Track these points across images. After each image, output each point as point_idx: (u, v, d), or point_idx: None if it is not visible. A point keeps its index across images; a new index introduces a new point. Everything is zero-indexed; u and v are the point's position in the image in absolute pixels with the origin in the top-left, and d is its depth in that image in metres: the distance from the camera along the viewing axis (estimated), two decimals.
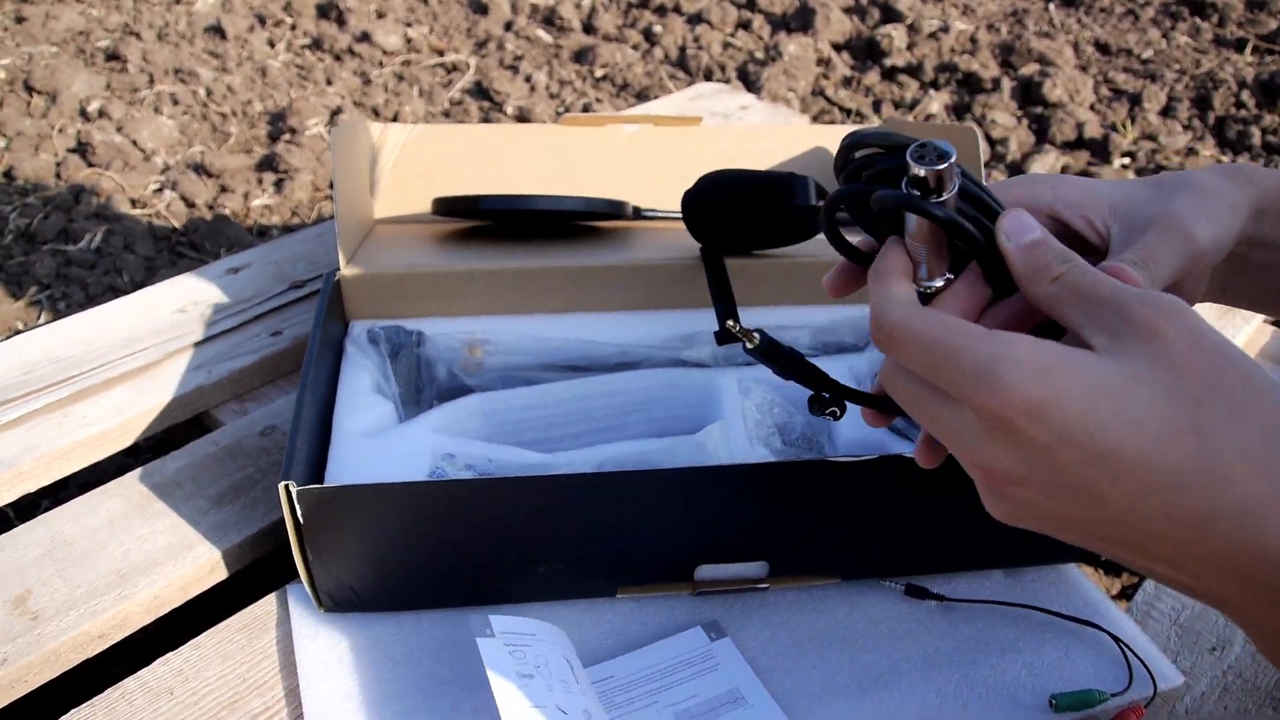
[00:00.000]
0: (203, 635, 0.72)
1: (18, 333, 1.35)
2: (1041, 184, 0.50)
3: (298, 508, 0.65)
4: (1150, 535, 0.36)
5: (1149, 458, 0.35)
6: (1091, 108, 2.02)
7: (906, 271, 0.45)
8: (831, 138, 1.13)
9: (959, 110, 2.06)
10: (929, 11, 2.42)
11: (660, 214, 1.01)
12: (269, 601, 0.74)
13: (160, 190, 1.73)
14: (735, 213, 0.89)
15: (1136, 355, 0.36)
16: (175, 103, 1.99)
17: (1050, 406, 0.36)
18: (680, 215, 0.92)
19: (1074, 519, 0.38)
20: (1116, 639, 0.72)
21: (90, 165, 1.76)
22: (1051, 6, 2.50)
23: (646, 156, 1.09)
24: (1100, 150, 1.88)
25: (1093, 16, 2.46)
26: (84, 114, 1.93)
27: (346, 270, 0.88)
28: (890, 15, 2.37)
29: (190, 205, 1.70)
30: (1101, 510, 0.36)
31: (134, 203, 1.70)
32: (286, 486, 0.64)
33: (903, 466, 0.69)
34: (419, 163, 1.05)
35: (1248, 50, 2.22)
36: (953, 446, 0.41)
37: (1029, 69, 2.12)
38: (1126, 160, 1.86)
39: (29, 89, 1.98)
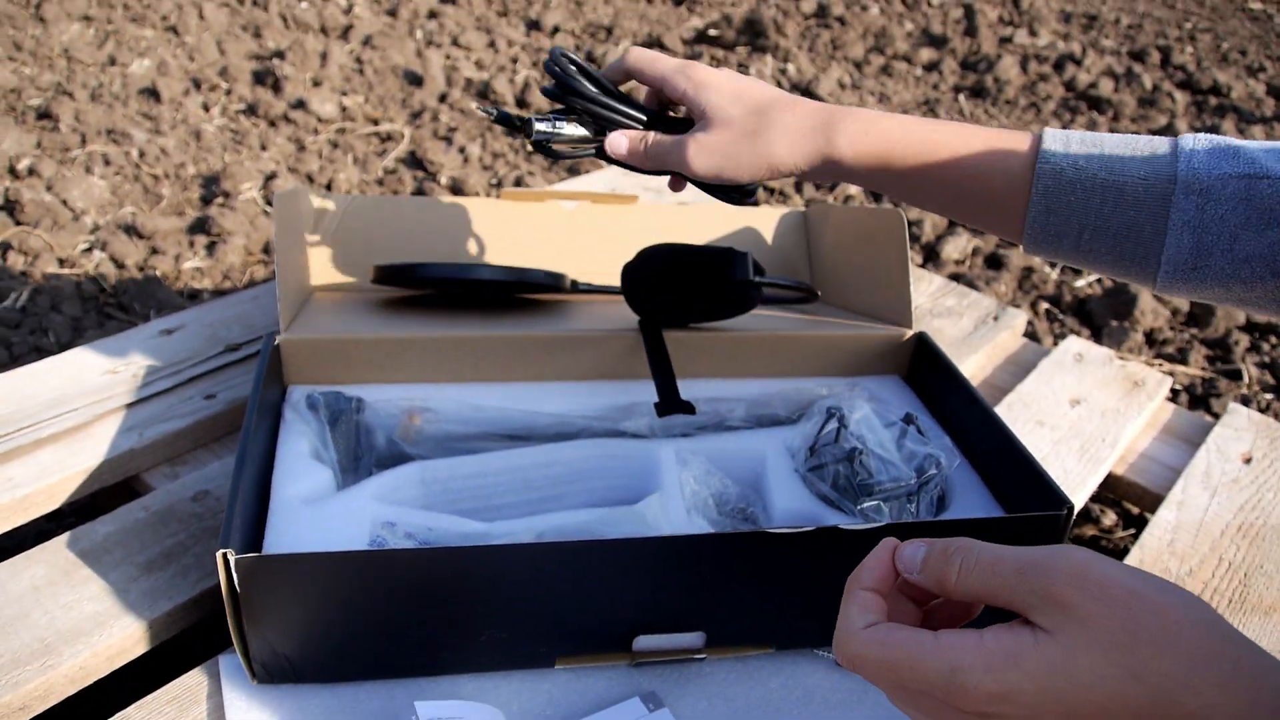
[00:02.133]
0: (130, 708, 0.68)
1: None
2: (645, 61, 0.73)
3: (235, 576, 0.63)
4: None
5: (1108, 708, 0.40)
6: None
7: (865, 601, 0.47)
8: (761, 219, 1.15)
9: (878, 194, 2.12)
10: (847, 98, 2.49)
11: (597, 287, 1.01)
12: (199, 673, 0.71)
13: (90, 250, 1.69)
14: (674, 285, 0.90)
15: (1063, 629, 0.41)
16: (107, 163, 1.96)
17: (1013, 692, 0.41)
18: (618, 289, 0.93)
19: None
20: None
21: (18, 223, 1.71)
22: (961, 97, 2.60)
23: (585, 231, 1.10)
24: None
25: (999, 108, 2.56)
26: (13, 172, 1.88)
27: (286, 334, 0.86)
28: None
29: (120, 266, 1.66)
30: None
31: (62, 262, 1.65)
32: (225, 554, 0.62)
33: (836, 538, 0.69)
34: (359, 232, 1.04)
35: None
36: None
37: None
38: None
39: None
